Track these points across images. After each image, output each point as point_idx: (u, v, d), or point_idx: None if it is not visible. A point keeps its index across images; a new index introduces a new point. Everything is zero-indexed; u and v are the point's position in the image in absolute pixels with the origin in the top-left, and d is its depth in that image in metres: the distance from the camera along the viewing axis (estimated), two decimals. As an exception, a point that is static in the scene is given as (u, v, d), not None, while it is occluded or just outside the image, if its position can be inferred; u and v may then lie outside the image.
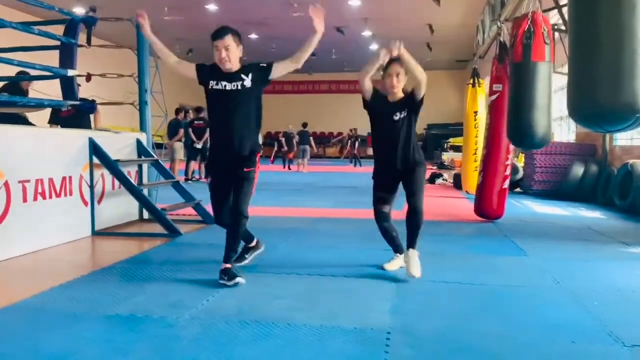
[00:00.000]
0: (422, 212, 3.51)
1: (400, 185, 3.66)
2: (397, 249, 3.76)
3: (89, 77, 5.82)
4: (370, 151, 29.16)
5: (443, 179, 11.86)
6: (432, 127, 27.74)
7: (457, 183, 10.29)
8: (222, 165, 3.49)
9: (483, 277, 3.61)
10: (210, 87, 3.45)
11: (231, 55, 3.36)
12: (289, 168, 17.53)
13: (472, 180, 8.61)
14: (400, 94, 3.62)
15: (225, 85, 3.40)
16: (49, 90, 6.39)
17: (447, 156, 18.88)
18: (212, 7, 16.06)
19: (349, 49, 22.89)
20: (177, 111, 11.60)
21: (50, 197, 4.58)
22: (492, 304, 3.05)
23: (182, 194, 5.83)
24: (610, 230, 5.68)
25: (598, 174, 8.23)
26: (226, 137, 3.43)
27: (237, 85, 3.39)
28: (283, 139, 17.78)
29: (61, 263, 4.07)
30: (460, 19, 18.21)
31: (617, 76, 2.92)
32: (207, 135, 10.68)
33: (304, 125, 17.48)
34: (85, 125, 6.40)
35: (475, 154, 8.55)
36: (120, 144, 5.67)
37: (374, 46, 22.03)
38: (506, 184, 6.03)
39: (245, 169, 3.42)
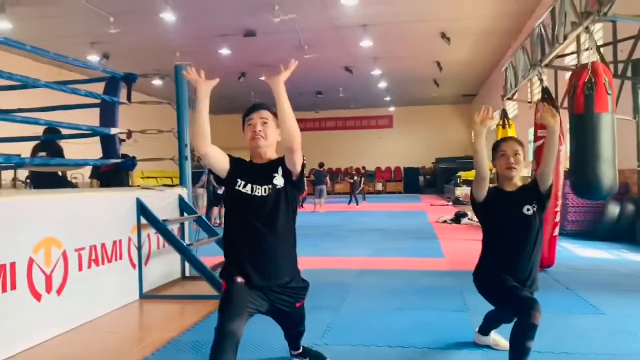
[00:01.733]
0: None
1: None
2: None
3: (129, 134, 5.74)
4: (378, 186, 29.21)
5: (469, 219, 11.31)
6: (440, 160, 27.73)
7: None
8: (256, 286, 2.55)
9: (573, 344, 3.42)
10: (237, 186, 2.61)
11: (268, 131, 2.62)
12: (301, 206, 17.37)
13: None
14: (519, 182, 3.02)
15: (254, 189, 2.59)
16: (80, 141, 6.35)
17: (461, 191, 18.50)
18: (224, 51, 16.17)
19: (356, 86, 23.08)
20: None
21: (103, 263, 4.43)
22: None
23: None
24: (669, 277, 5.51)
25: (636, 213, 8.10)
26: (261, 259, 2.56)
27: (268, 190, 2.59)
28: None
29: (122, 336, 3.89)
30: (468, 56, 18.41)
31: None
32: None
33: (320, 165, 17.43)
34: (124, 179, 6.33)
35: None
36: (163, 201, 5.55)
37: (382, 84, 22.23)
38: (556, 232, 5.90)
39: (297, 305, 2.75)
